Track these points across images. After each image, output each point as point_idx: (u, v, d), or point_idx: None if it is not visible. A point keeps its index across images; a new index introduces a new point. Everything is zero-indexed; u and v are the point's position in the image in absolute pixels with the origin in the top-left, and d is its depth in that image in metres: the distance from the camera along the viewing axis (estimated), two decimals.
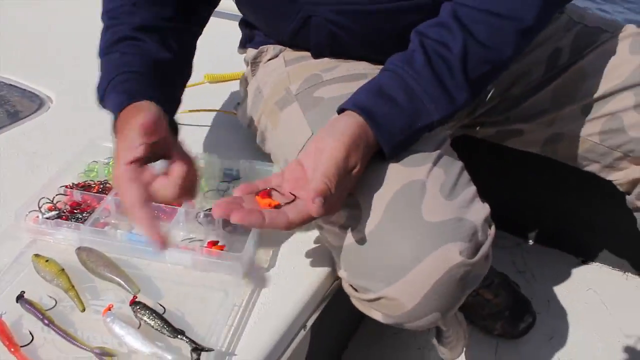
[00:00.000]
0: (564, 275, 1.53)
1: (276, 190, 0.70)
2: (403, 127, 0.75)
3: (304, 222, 0.67)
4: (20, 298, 0.79)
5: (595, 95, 0.95)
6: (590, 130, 0.98)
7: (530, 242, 1.62)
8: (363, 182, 0.75)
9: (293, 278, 0.87)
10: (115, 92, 0.79)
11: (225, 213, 0.64)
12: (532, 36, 0.83)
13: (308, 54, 1.00)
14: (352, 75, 0.93)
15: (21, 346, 0.73)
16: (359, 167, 0.73)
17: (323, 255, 0.91)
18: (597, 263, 1.55)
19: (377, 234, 0.73)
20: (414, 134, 0.77)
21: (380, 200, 0.74)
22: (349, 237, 0.76)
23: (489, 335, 1.35)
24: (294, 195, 0.69)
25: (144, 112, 0.72)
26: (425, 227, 0.72)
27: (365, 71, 0.95)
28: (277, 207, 0.68)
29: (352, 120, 0.73)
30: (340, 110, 0.77)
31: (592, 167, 1.04)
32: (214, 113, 1.25)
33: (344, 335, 1.32)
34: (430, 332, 1.34)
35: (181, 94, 0.91)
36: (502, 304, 1.32)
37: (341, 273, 0.81)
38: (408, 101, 0.75)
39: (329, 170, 0.68)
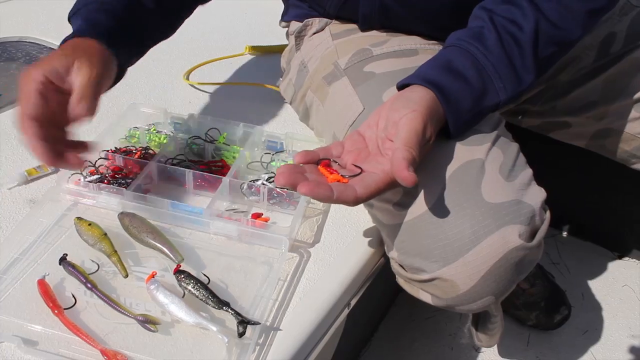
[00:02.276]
0: (599, 270, 1.49)
1: (335, 162, 0.67)
2: (470, 106, 0.73)
3: (372, 197, 0.64)
4: (63, 260, 0.77)
5: None
6: None
7: (565, 234, 1.58)
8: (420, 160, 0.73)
9: (338, 255, 0.85)
10: (81, 18, 0.81)
11: (290, 183, 0.61)
12: (600, 17, 0.80)
13: (355, 26, 0.97)
14: (403, 50, 0.91)
15: (64, 309, 0.72)
16: (433, 140, 0.70)
17: (367, 233, 0.89)
18: (634, 259, 1.51)
19: (434, 212, 0.70)
20: (479, 114, 0.75)
21: (438, 179, 0.72)
22: (404, 215, 0.73)
23: (522, 325, 1.32)
24: (359, 168, 0.66)
25: (96, 66, 0.72)
26: (486, 208, 0.69)
27: (416, 46, 0.92)
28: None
29: (425, 93, 0.70)
30: (403, 85, 0.74)
31: None
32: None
33: (377, 316, 1.31)
34: (462, 318, 1.33)
35: (149, 46, 0.92)
36: (538, 294, 1.29)
37: (392, 253, 0.79)
38: (478, 79, 0.73)
39: (410, 140, 0.65)
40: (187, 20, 1.01)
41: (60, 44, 0.78)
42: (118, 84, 0.91)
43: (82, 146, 0.73)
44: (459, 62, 0.73)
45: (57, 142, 0.70)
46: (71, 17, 0.84)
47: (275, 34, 1.29)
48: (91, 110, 0.70)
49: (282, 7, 1.11)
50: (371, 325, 1.29)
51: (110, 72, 0.78)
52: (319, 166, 0.66)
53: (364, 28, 0.96)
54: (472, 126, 0.75)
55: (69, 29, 0.82)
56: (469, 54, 0.74)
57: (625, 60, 0.94)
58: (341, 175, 0.64)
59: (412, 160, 0.63)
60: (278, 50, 1.33)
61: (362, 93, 0.87)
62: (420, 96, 0.70)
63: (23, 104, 0.69)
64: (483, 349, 1.29)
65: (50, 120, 0.69)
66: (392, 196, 0.75)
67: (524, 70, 0.74)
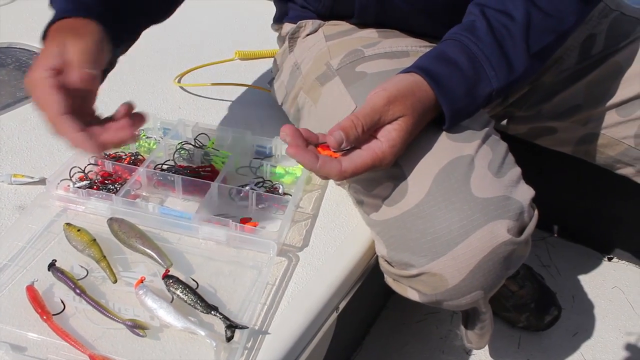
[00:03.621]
0: (589, 272, 1.50)
1: None
2: (464, 92, 0.73)
3: (357, 173, 0.67)
4: (51, 266, 0.78)
5: (631, 95, 0.93)
6: (624, 133, 0.96)
7: (555, 236, 1.59)
8: (409, 154, 0.74)
9: (326, 259, 0.85)
10: None
11: (289, 136, 0.66)
12: (594, 5, 0.81)
13: (349, 27, 0.98)
14: (394, 52, 0.91)
15: (53, 314, 0.72)
16: (407, 122, 0.70)
17: (356, 237, 0.89)
18: (624, 261, 1.52)
19: (423, 207, 0.71)
20: (473, 103, 0.75)
21: (428, 173, 0.73)
22: (393, 210, 0.74)
23: (512, 327, 1.33)
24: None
25: (86, 38, 0.66)
26: (474, 202, 0.70)
27: (407, 49, 0.92)
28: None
29: (407, 77, 0.72)
30: None
31: (625, 171, 1.02)
32: (245, 89, 1.23)
33: (367, 320, 1.31)
34: (453, 321, 1.34)
35: (141, 31, 0.83)
36: (528, 296, 1.30)
37: (381, 250, 0.79)
38: (470, 66, 0.74)
39: (361, 111, 0.68)
40: (177, 26, 1.00)
41: (44, 32, 0.71)
42: (109, 87, 0.90)
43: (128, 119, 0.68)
44: (450, 52, 0.75)
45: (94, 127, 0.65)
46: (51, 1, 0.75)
47: (265, 40, 1.29)
48: (94, 75, 0.65)
49: (272, 12, 1.11)
50: (362, 329, 1.29)
51: (104, 49, 0.69)
52: (317, 148, 0.69)
53: (359, 22, 0.97)
54: (466, 117, 0.76)
55: None
56: (460, 44, 0.75)
57: (606, 64, 0.96)
58: (334, 153, 0.67)
59: (348, 127, 0.66)
60: (268, 55, 1.34)
61: (354, 92, 0.88)
62: (399, 78, 0.71)
63: (46, 106, 0.63)
64: (474, 352, 1.30)
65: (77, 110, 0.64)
66: (382, 191, 0.76)
67: (516, 58, 0.75)
